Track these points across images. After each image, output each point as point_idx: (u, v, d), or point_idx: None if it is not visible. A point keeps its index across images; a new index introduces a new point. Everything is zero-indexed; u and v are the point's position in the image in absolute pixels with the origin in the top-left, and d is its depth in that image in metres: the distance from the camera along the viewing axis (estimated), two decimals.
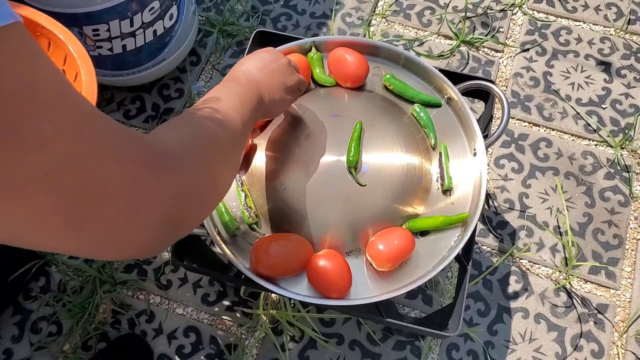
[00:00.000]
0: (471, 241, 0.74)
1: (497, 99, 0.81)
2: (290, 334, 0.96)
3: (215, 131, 0.47)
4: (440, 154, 0.75)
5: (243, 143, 0.53)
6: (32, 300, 1.01)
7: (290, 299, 0.97)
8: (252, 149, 0.72)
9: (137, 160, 0.36)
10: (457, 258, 0.74)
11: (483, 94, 0.85)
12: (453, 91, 0.78)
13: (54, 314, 1.00)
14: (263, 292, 0.99)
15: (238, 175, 0.74)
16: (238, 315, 0.99)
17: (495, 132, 0.76)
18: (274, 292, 0.68)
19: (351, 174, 0.70)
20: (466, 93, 0.83)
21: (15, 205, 0.29)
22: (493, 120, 0.88)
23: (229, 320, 0.99)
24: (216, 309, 1.00)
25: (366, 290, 0.69)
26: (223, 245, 0.71)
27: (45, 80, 0.29)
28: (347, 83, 0.80)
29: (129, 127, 0.41)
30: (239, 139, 0.51)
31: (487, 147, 0.75)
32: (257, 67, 0.60)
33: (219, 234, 0.73)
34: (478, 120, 0.77)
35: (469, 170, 0.75)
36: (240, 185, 0.74)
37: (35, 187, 0.29)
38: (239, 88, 0.55)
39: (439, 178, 0.75)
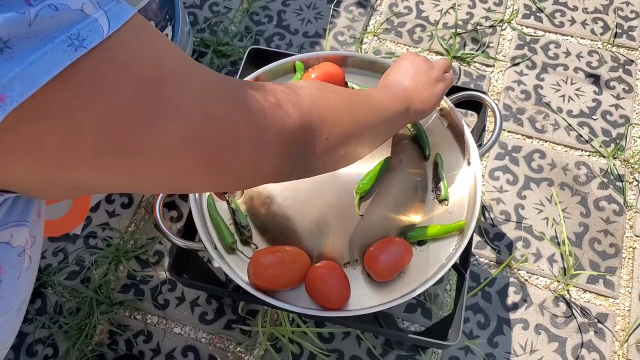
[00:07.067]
0: (468, 249, 0.74)
1: (489, 110, 0.82)
2: (290, 350, 0.95)
3: (350, 99, 0.52)
4: (436, 164, 0.76)
5: (382, 122, 0.57)
6: (28, 323, 1.00)
7: (289, 314, 0.96)
8: None
9: (261, 113, 0.40)
10: (455, 267, 0.74)
11: (475, 106, 0.86)
12: (446, 103, 0.79)
13: (50, 336, 0.99)
14: (261, 309, 0.98)
15: (227, 194, 0.75)
16: (236, 333, 0.98)
17: (489, 139, 0.77)
18: (273, 306, 0.67)
19: (355, 199, 0.70)
20: (458, 105, 0.84)
21: (163, 167, 0.34)
22: (486, 131, 0.89)
23: (227, 339, 0.98)
24: (214, 328, 0.99)
25: (365, 300, 0.68)
26: (220, 260, 0.71)
27: (168, 55, 0.33)
28: None
29: (249, 82, 0.45)
30: (377, 116, 0.56)
31: (481, 155, 0.76)
32: (402, 76, 0.65)
33: (215, 248, 0.72)
34: (471, 132, 0.78)
35: (463, 179, 0.75)
36: (229, 203, 0.74)
37: (177, 152, 0.34)
38: (384, 88, 0.63)
39: (435, 188, 0.75)
